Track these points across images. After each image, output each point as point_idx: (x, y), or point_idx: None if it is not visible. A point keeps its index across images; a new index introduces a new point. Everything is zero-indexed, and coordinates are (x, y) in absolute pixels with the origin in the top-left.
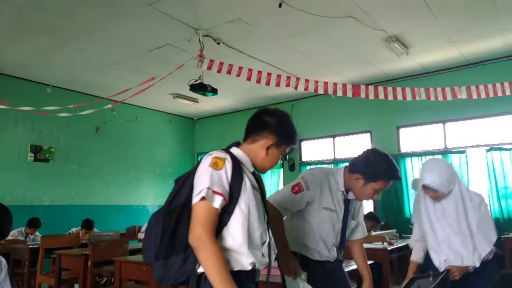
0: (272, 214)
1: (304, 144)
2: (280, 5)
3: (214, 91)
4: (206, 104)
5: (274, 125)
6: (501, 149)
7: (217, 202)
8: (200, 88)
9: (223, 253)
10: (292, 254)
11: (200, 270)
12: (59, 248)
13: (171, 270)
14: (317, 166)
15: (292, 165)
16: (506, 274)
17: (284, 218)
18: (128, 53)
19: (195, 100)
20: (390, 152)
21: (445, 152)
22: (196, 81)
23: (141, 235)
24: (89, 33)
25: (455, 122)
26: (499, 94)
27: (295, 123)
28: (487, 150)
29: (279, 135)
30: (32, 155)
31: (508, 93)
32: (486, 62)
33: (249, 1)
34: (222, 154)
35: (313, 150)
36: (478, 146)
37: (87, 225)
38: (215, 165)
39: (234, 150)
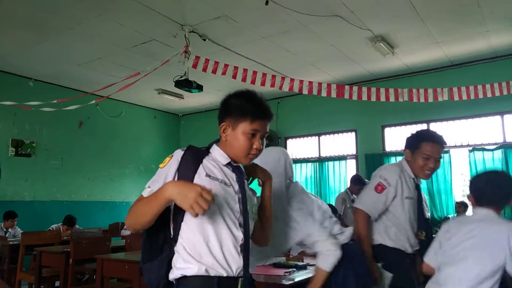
0: (361, 222)
1: (289, 142)
2: (266, 3)
3: (199, 87)
4: (192, 100)
5: (224, 105)
6: (483, 149)
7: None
8: (185, 84)
9: (191, 262)
10: (375, 263)
11: (172, 276)
12: (40, 245)
13: (152, 275)
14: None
15: None
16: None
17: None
18: (112, 48)
19: (180, 96)
20: (375, 151)
21: None
22: (181, 77)
23: (124, 232)
24: (71, 27)
25: (439, 122)
26: (480, 96)
27: (281, 121)
28: (470, 151)
29: (229, 112)
30: (14, 149)
31: (489, 95)
32: (470, 64)
33: None
34: (176, 151)
35: (298, 148)
36: (462, 146)
37: (69, 221)
38: (163, 163)
39: (212, 147)
